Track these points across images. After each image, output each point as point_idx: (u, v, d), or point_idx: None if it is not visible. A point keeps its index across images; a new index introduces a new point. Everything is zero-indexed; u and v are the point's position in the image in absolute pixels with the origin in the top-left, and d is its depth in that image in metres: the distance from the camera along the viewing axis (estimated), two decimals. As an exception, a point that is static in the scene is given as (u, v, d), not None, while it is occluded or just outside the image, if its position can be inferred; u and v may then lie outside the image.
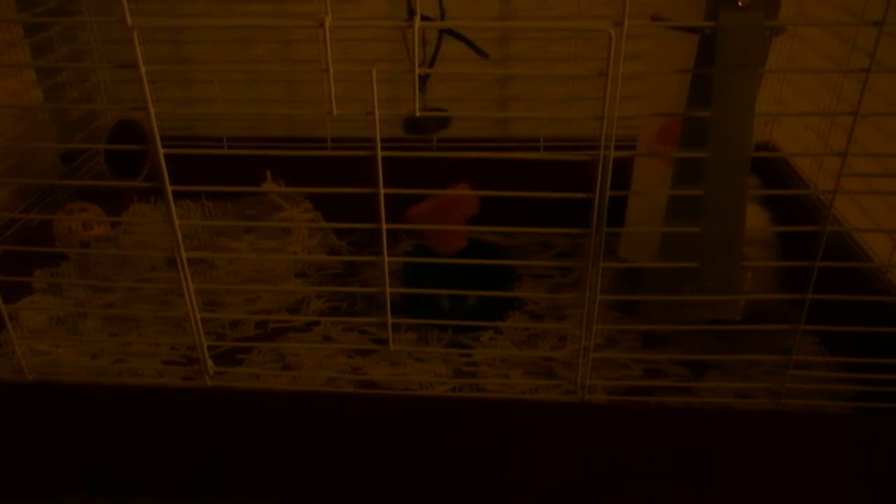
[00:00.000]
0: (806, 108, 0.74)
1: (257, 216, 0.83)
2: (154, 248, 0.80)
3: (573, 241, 0.82)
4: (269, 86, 0.84)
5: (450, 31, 0.64)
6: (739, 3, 0.42)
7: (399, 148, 0.43)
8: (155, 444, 0.56)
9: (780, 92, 0.81)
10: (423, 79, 0.69)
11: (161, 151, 0.43)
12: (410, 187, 0.44)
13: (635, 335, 0.67)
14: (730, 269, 0.41)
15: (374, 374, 0.62)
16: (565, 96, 0.82)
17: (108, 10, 0.39)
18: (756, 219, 0.64)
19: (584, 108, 0.39)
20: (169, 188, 0.45)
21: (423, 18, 0.39)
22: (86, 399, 0.54)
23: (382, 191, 0.43)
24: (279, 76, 0.84)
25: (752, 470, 0.54)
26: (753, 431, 0.51)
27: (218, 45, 0.81)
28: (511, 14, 0.80)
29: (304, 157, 0.46)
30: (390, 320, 0.48)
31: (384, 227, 0.44)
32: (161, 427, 0.55)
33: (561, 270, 0.78)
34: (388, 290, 0.47)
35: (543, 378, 0.62)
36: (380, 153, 0.42)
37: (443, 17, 0.65)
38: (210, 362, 0.51)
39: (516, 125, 0.86)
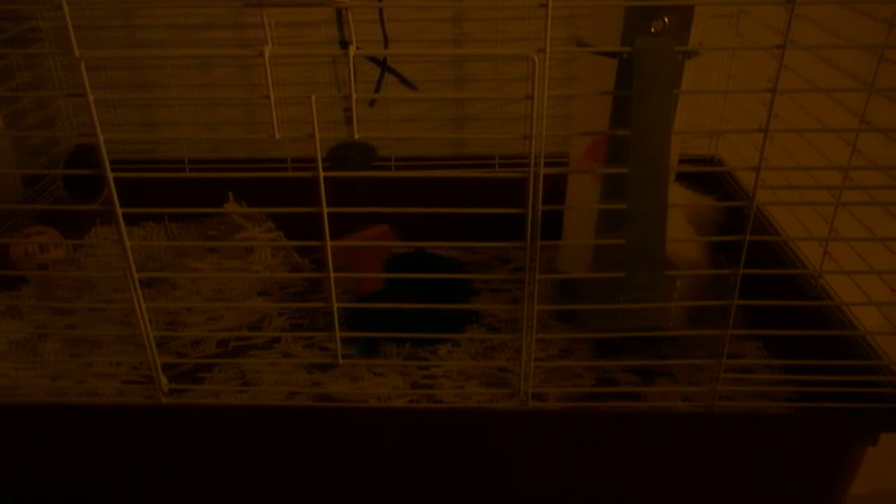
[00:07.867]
0: (746, 124, 0.77)
1: (219, 237, 0.84)
2: (116, 269, 0.81)
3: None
4: (229, 109, 0.86)
5: (380, 63, 0.66)
6: (652, 30, 0.45)
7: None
8: (113, 463, 0.57)
9: (723, 109, 0.85)
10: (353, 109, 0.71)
11: (110, 175, 0.45)
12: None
13: (587, 345, 0.69)
14: (655, 278, 0.43)
15: (332, 388, 0.64)
16: (521, 115, 0.85)
17: (68, 38, 0.41)
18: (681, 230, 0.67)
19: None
20: (119, 210, 0.46)
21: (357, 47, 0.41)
22: (40, 419, 0.55)
23: (325, 210, 0.45)
24: (238, 100, 0.86)
25: (694, 470, 0.56)
26: (689, 433, 0.53)
27: (179, 69, 0.83)
28: (464, 37, 0.83)
29: (264, 179, 0.48)
30: (338, 334, 0.49)
31: (328, 244, 0.46)
32: (118, 445, 0.56)
33: (518, 284, 0.80)
34: (336, 304, 0.48)
35: (498, 388, 0.63)
36: (321, 174, 0.44)
37: (386, 43, 0.67)
38: (164, 379, 0.52)
39: (473, 144, 0.89)
